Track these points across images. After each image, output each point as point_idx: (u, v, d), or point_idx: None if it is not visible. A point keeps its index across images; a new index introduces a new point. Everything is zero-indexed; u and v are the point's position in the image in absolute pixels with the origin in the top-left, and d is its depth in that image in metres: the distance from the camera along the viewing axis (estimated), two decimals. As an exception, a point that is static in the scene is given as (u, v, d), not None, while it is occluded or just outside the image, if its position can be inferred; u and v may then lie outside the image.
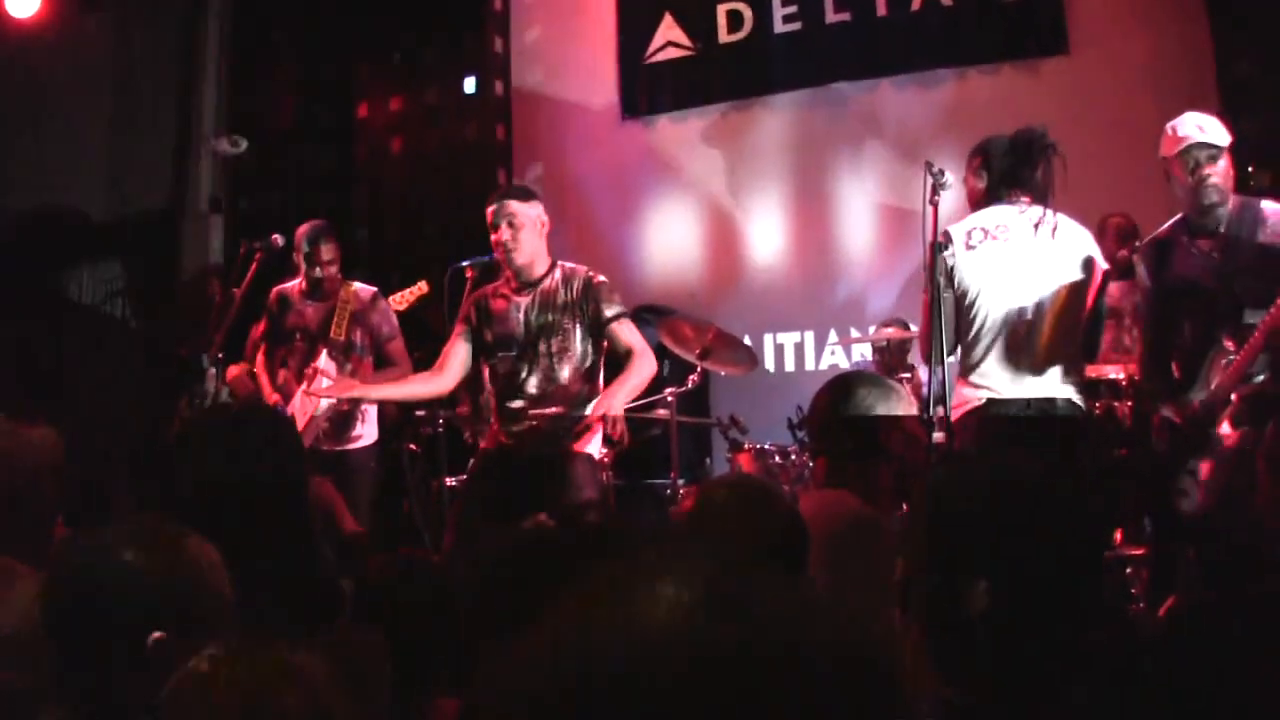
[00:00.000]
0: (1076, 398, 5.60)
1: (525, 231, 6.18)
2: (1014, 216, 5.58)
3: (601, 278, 6.26)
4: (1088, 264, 5.61)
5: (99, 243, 10.52)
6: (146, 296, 10.79)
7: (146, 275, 10.86)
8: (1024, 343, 5.48)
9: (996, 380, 5.51)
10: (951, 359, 5.65)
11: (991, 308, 5.54)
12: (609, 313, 6.14)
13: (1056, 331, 5.52)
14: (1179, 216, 5.74)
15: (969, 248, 5.54)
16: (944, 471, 2.54)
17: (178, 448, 3.36)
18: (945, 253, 5.50)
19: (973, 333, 5.58)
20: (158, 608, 2.41)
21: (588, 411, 6.09)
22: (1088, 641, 2.24)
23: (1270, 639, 2.26)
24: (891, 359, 8.93)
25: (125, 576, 2.43)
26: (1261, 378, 5.39)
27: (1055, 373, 5.52)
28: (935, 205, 5.62)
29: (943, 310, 5.44)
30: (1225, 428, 5.44)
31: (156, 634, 2.37)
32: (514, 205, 6.21)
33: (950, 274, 5.54)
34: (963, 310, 5.60)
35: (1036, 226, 5.53)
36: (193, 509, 3.00)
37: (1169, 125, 5.66)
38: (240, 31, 11.95)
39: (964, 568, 2.22)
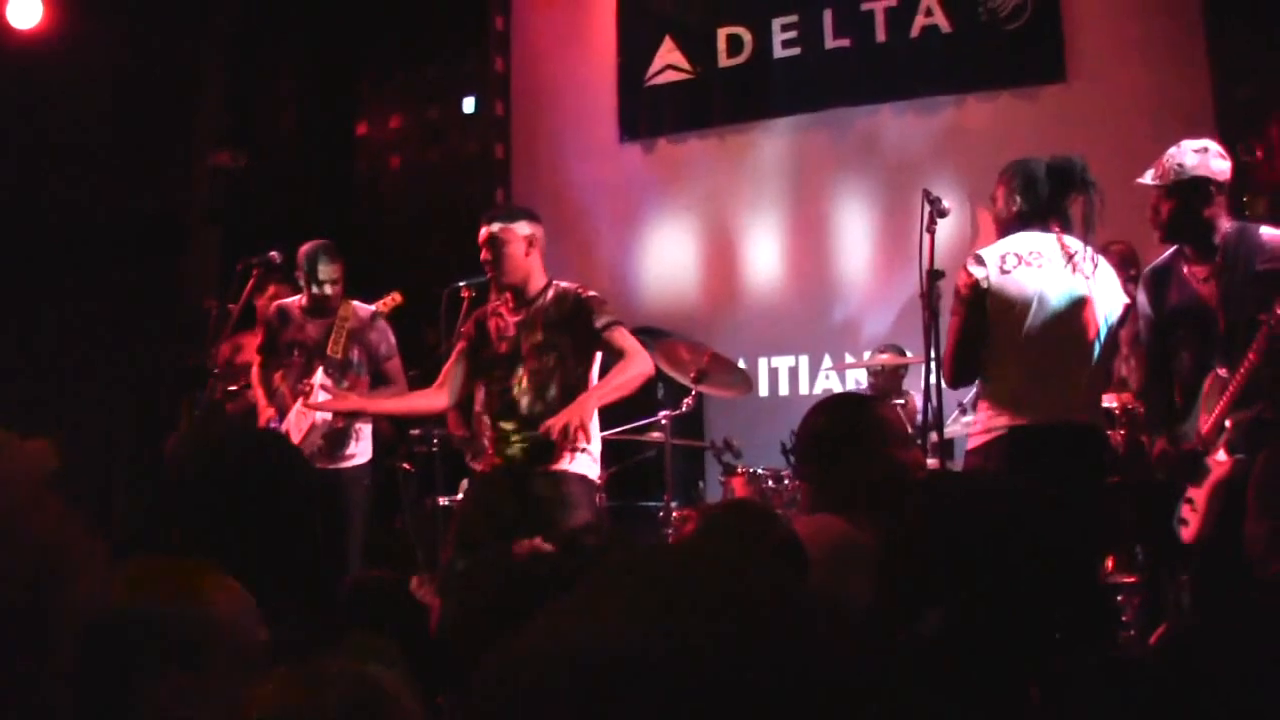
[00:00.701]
0: (1100, 425, 5.60)
1: (512, 251, 6.18)
2: (1048, 244, 5.50)
3: (593, 292, 6.25)
4: (1113, 295, 5.58)
5: (98, 253, 10.52)
6: (145, 308, 10.79)
7: (145, 286, 10.86)
8: (1054, 370, 5.41)
9: (1025, 407, 5.42)
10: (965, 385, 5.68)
11: (1023, 333, 5.44)
12: (600, 322, 6.11)
13: (1084, 360, 5.47)
14: (1176, 245, 5.73)
15: (1003, 272, 5.44)
16: (914, 500, 2.54)
17: (184, 462, 3.36)
18: (979, 274, 5.44)
19: (1002, 358, 5.50)
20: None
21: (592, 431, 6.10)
22: (1063, 665, 2.24)
23: (1257, 665, 2.26)
24: (886, 384, 8.93)
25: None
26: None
27: (1083, 401, 5.49)
28: (932, 233, 5.62)
29: (970, 331, 5.44)
30: (1221, 455, 5.44)
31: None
32: (498, 227, 6.20)
33: (982, 297, 5.45)
34: (993, 335, 5.50)
35: (1072, 257, 5.47)
36: (197, 522, 3.01)
37: (1166, 154, 5.65)
38: (242, 45, 11.98)
39: (923, 594, 2.23)
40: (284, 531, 3.16)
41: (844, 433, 4.07)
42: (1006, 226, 5.67)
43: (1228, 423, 5.40)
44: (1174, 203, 5.55)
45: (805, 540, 3.48)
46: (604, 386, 6.05)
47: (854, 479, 3.96)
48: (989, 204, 5.83)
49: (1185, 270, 5.63)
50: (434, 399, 6.47)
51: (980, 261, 5.46)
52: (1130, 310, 5.80)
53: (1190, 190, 5.50)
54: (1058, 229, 5.57)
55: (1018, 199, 5.63)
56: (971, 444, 5.56)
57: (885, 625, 2.37)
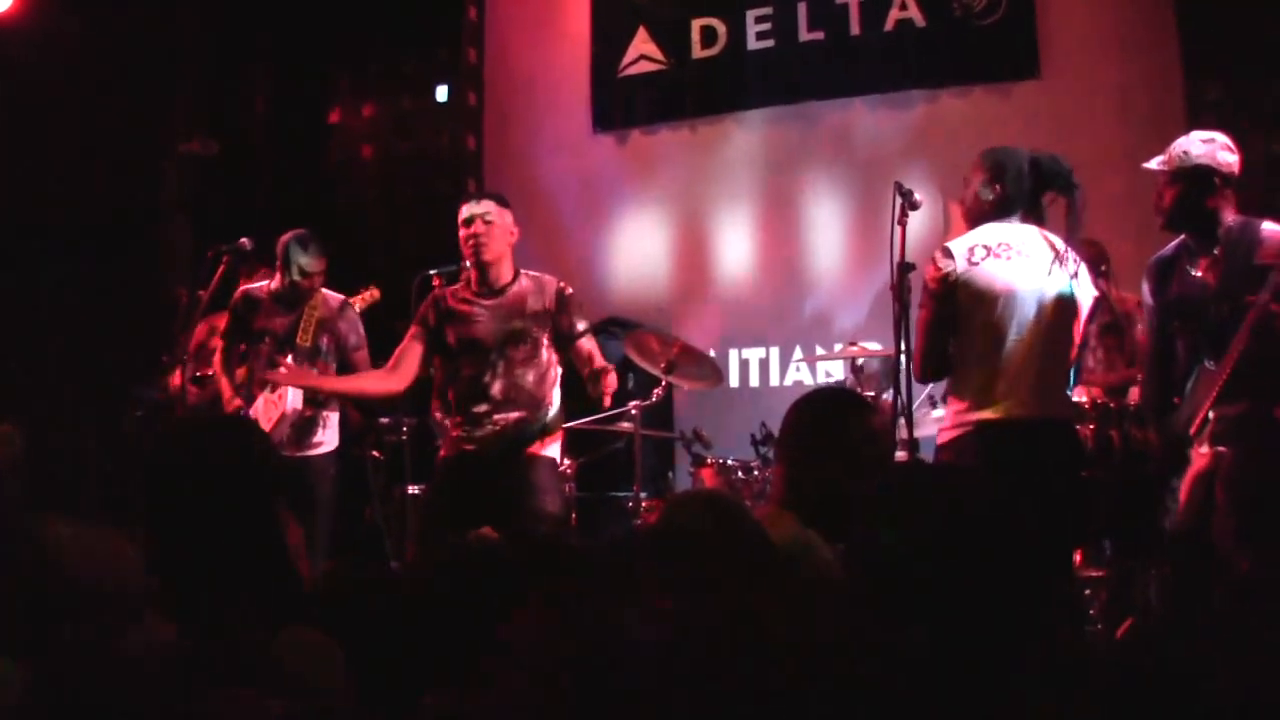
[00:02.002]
0: (1071, 420, 5.59)
1: (498, 230, 6.24)
2: (1017, 235, 5.46)
3: (571, 289, 6.30)
4: (1085, 289, 5.55)
5: (67, 240, 10.48)
6: (115, 295, 10.74)
7: (115, 273, 10.81)
8: (1024, 364, 5.35)
9: (995, 401, 5.36)
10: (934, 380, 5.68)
11: (993, 326, 5.38)
12: (580, 327, 6.23)
13: (1054, 354, 5.43)
14: (1182, 236, 5.70)
15: (972, 264, 5.38)
16: (879, 501, 2.53)
17: (154, 448, 3.36)
18: (948, 266, 5.41)
19: (972, 352, 5.45)
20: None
21: (550, 418, 6.19)
22: (1030, 662, 2.24)
23: (1223, 657, 2.27)
24: (859, 376, 8.93)
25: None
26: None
27: (1052, 395, 5.45)
28: (904, 226, 5.61)
29: (938, 324, 5.44)
30: (1204, 448, 5.43)
31: None
32: (491, 205, 6.30)
33: (950, 290, 5.40)
34: (961, 328, 5.46)
35: (1055, 250, 5.43)
36: (161, 508, 3.01)
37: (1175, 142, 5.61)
38: (215, 32, 11.92)
39: (895, 599, 2.23)
40: (244, 517, 3.15)
41: (819, 431, 4.06)
42: (978, 215, 5.60)
43: (1211, 415, 5.40)
44: (1176, 190, 5.50)
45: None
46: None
47: (823, 479, 3.94)
48: (961, 191, 5.78)
49: (1186, 262, 5.60)
50: (387, 381, 6.47)
51: (948, 254, 5.42)
52: (1100, 304, 5.79)
53: (1193, 178, 5.47)
54: (1032, 222, 5.55)
55: (997, 188, 5.57)
56: (941, 439, 5.52)
57: (864, 640, 2.36)
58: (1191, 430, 5.43)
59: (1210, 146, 5.46)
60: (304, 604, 3.21)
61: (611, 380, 5.97)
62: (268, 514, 3.26)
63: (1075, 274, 5.48)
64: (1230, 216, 5.48)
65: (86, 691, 2.31)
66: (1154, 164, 5.54)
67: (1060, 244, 5.48)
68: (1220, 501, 5.31)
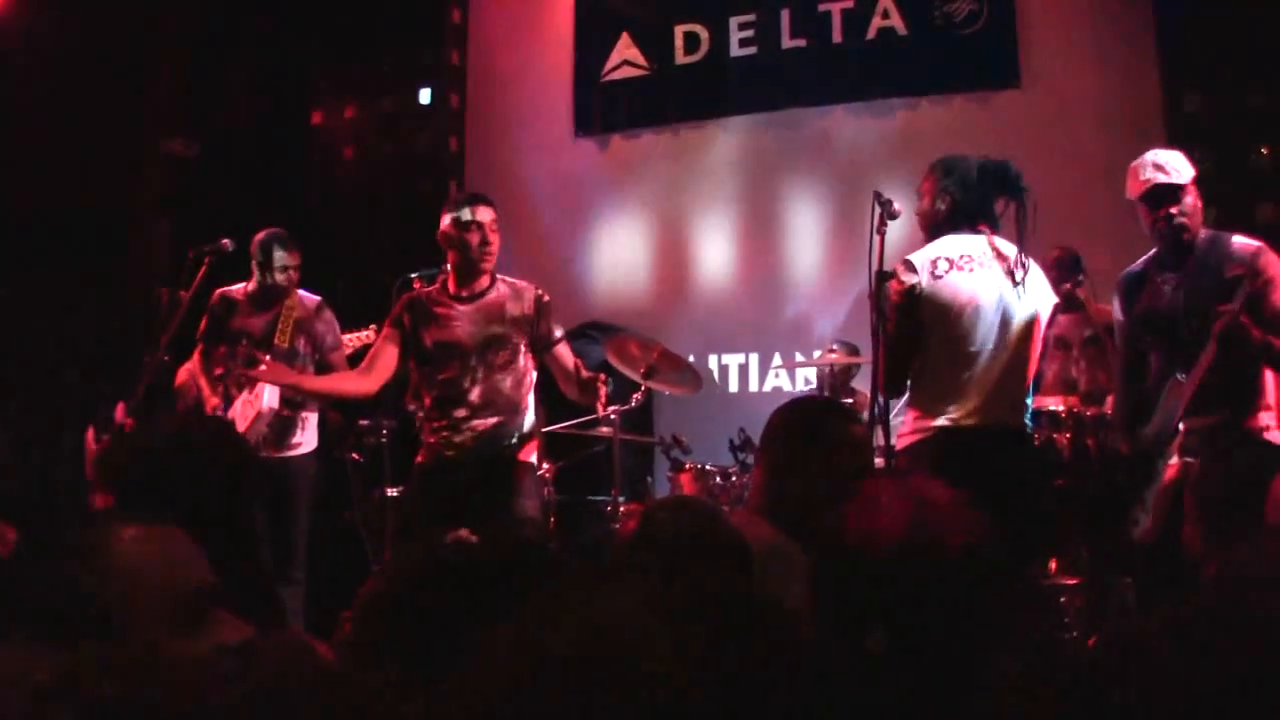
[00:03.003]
0: (1029, 428, 5.62)
1: (498, 241, 6.25)
2: (978, 246, 5.48)
3: (549, 296, 6.30)
4: (1042, 297, 5.57)
5: (48, 241, 10.46)
6: (95, 295, 10.73)
7: (95, 274, 10.80)
8: (985, 373, 5.39)
9: (954, 410, 5.40)
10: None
11: (954, 338, 5.43)
12: (558, 333, 6.21)
13: (1015, 363, 5.45)
14: (1154, 250, 5.74)
15: (935, 277, 5.41)
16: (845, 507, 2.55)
17: (126, 453, 3.36)
18: (911, 280, 5.44)
19: (935, 361, 5.48)
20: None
21: (527, 423, 6.20)
22: (997, 672, 2.26)
23: (1192, 665, 2.29)
24: (837, 383, 8.96)
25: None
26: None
27: (1012, 404, 5.48)
28: (882, 235, 5.61)
29: (903, 339, 5.46)
30: (1174, 459, 5.46)
31: None
32: (494, 212, 6.25)
33: (914, 304, 5.42)
34: (925, 339, 5.48)
35: (1005, 260, 5.45)
36: (138, 509, 3.01)
37: (1132, 166, 5.64)
38: (196, 32, 11.91)
39: (860, 606, 2.25)
40: (223, 519, 3.16)
41: (802, 439, 4.08)
42: (934, 226, 5.64)
43: (1181, 426, 5.43)
44: (1147, 208, 5.57)
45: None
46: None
47: (802, 487, 3.95)
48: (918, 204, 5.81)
49: (1157, 276, 5.64)
50: (362, 382, 6.43)
51: (911, 268, 5.44)
52: (1056, 310, 5.82)
53: (1164, 196, 5.52)
54: (988, 230, 5.57)
55: (949, 198, 5.61)
56: (900, 444, 5.56)
57: (826, 641, 2.38)
58: (1162, 442, 5.47)
59: (1175, 162, 5.55)
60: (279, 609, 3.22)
61: (605, 389, 5.98)
62: (240, 517, 3.27)
63: (1031, 282, 5.51)
64: (1200, 231, 5.53)
65: (138, 691, 2.32)
66: (1167, 178, 5.58)
67: (1008, 248, 5.52)
68: (1188, 508, 5.36)
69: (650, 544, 3.27)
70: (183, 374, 7.60)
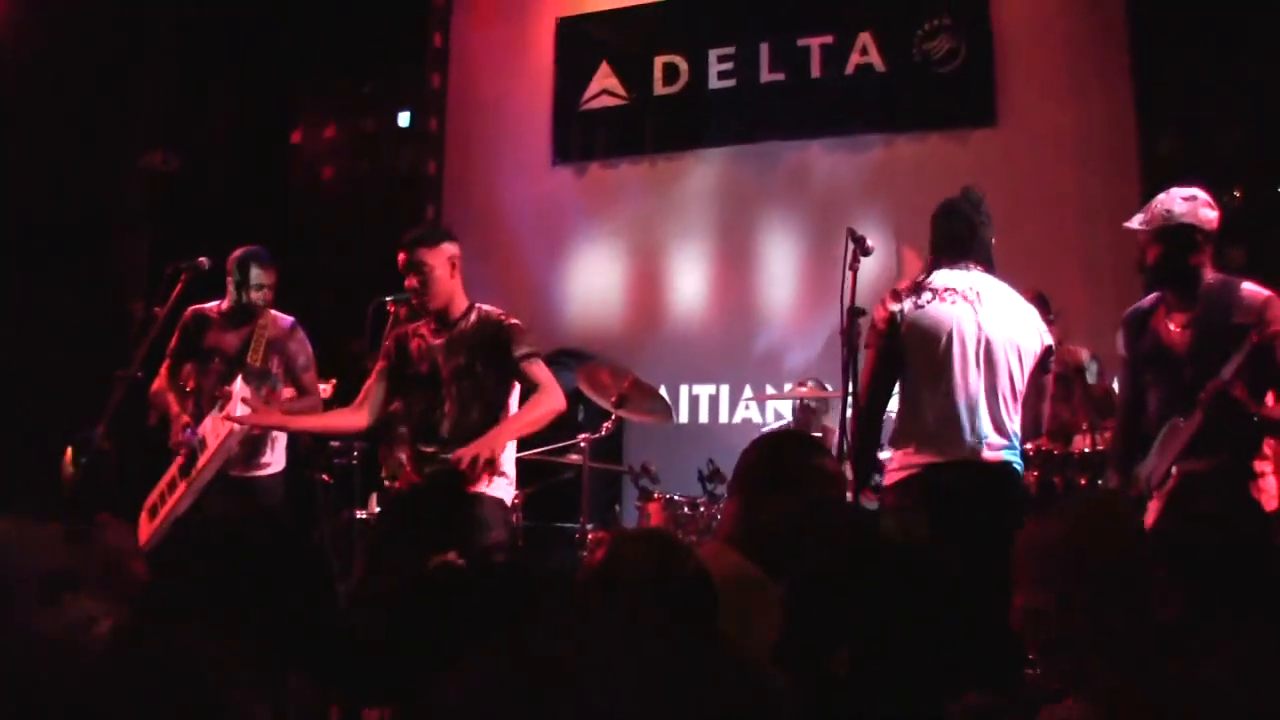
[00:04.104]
0: (1017, 464, 5.61)
1: (437, 275, 6.15)
2: (964, 280, 5.52)
3: (515, 320, 6.21)
4: (1030, 334, 5.60)
5: (26, 252, 10.43)
6: (71, 309, 10.69)
7: (72, 287, 10.77)
8: (969, 408, 5.41)
9: (940, 444, 5.42)
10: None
11: (938, 369, 5.44)
12: (518, 352, 6.09)
13: (999, 399, 5.46)
14: (1161, 291, 5.73)
15: (918, 307, 5.46)
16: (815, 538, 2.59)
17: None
18: (895, 307, 5.47)
19: (918, 394, 5.50)
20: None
21: (505, 455, 6.15)
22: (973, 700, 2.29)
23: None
24: (808, 418, 8.99)
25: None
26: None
27: (997, 439, 5.46)
28: (855, 271, 5.66)
29: (884, 361, 5.50)
30: (1161, 502, 5.44)
31: None
32: (423, 253, 6.15)
33: (895, 330, 5.47)
34: (909, 370, 5.52)
35: (990, 295, 5.51)
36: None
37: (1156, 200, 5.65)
38: (180, 46, 11.90)
39: (828, 631, 2.28)
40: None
41: (774, 471, 4.10)
42: (927, 266, 5.73)
43: (1174, 470, 5.42)
44: (1160, 248, 5.55)
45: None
46: (516, 421, 6.10)
47: (774, 518, 3.97)
48: (915, 243, 5.86)
49: (1164, 316, 5.63)
50: (353, 418, 6.42)
51: (896, 297, 5.50)
52: (1051, 354, 5.82)
53: (1176, 236, 5.51)
54: (976, 266, 5.61)
55: (933, 237, 5.70)
56: (888, 480, 5.57)
57: (793, 662, 2.41)
58: (1154, 483, 5.48)
59: (1192, 204, 5.49)
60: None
61: (474, 470, 5.92)
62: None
63: (1019, 319, 5.55)
64: (1211, 273, 5.53)
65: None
66: (1135, 223, 5.58)
67: (1010, 291, 5.56)
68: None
69: (615, 578, 3.28)
70: (158, 382, 7.57)
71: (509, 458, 6.24)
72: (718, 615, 3.26)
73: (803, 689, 2.33)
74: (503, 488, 6.18)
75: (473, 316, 6.22)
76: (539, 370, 6.15)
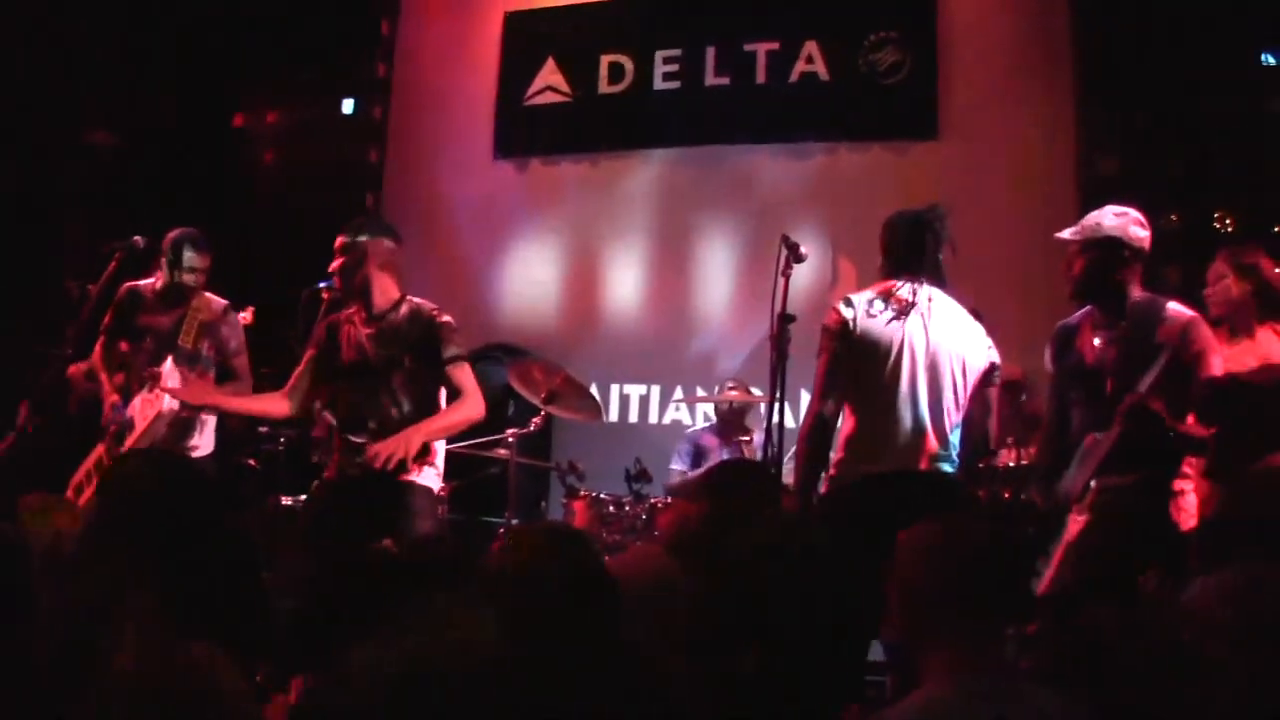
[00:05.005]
0: (954, 476, 5.63)
1: (357, 264, 6.20)
2: (913, 292, 5.54)
3: (447, 318, 6.22)
4: (977, 350, 5.66)
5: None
6: (6, 287, 10.60)
7: (7, 265, 10.67)
8: (910, 419, 5.45)
9: (879, 454, 5.46)
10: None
11: (882, 379, 5.48)
12: (447, 354, 6.11)
13: (942, 411, 5.51)
14: (1089, 305, 5.77)
15: (869, 316, 5.50)
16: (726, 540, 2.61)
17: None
18: (848, 314, 5.49)
19: (861, 403, 5.54)
20: None
21: (436, 446, 6.19)
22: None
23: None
24: (733, 420, 9.01)
25: None
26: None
27: (937, 449, 5.51)
28: (787, 277, 5.68)
29: (836, 363, 5.52)
30: (1082, 515, 5.47)
31: None
32: (346, 239, 6.23)
33: (848, 335, 5.49)
34: (855, 379, 5.54)
35: (935, 308, 5.54)
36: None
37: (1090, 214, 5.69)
38: (123, 24, 11.80)
39: (736, 630, 2.30)
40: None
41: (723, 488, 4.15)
42: (883, 273, 5.75)
43: (1093, 483, 5.46)
44: (1086, 259, 5.57)
45: (628, 568, 3.51)
46: (433, 423, 6.12)
47: (706, 521, 4.00)
48: (852, 252, 5.89)
49: (1090, 332, 5.67)
50: (280, 404, 6.45)
51: (850, 304, 5.52)
52: (996, 370, 5.85)
53: (1103, 249, 5.54)
54: (926, 280, 5.65)
55: (892, 245, 5.73)
56: (826, 487, 5.60)
57: (703, 660, 2.43)
58: (1074, 497, 5.51)
59: (1123, 220, 5.53)
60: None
61: (379, 461, 5.94)
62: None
63: (965, 334, 5.60)
64: (1137, 291, 5.57)
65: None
66: (1066, 233, 5.62)
67: (958, 307, 5.60)
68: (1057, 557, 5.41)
69: (516, 573, 3.28)
70: (91, 359, 7.52)
71: (440, 449, 6.28)
72: (618, 610, 3.26)
73: (710, 685, 2.35)
74: (431, 478, 6.21)
75: (404, 309, 6.22)
76: (464, 376, 6.17)
